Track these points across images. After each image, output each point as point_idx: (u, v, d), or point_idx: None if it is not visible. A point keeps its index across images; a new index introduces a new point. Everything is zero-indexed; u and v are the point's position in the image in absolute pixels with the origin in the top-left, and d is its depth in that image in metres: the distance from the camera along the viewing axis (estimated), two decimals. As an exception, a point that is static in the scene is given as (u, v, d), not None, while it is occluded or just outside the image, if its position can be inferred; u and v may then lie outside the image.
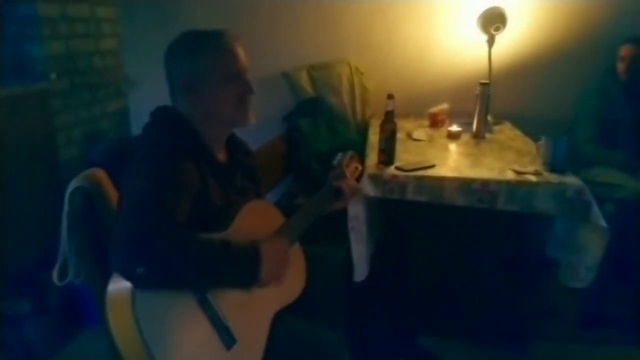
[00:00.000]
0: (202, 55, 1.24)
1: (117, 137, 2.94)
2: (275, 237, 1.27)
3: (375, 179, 1.85)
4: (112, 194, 1.32)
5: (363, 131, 2.75)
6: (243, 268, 1.12)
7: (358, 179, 1.69)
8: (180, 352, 1.00)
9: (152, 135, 1.26)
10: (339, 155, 1.61)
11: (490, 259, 2.15)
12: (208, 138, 1.28)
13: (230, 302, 1.12)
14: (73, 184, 1.27)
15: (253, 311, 1.18)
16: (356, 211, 1.83)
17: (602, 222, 1.76)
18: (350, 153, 1.63)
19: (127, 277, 0.99)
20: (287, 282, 1.28)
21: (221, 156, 1.34)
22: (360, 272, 1.87)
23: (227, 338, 1.08)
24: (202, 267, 1.05)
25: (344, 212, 1.79)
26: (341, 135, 2.76)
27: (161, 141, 1.21)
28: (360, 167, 1.69)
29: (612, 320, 2.21)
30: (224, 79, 1.25)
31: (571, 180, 1.79)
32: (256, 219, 1.28)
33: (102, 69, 2.86)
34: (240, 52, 1.28)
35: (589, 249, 1.80)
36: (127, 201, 1.09)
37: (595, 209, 1.76)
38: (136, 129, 2.99)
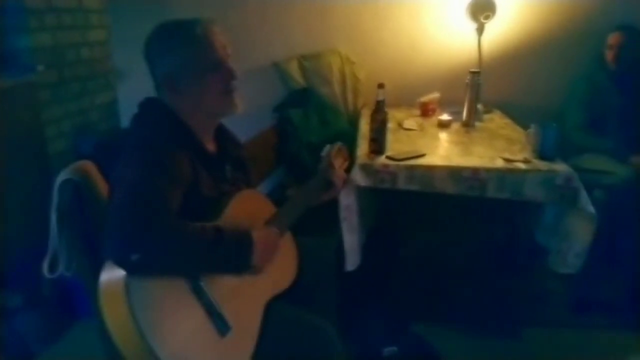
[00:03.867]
0: (179, 49, 1.22)
1: (106, 130, 2.92)
2: (267, 226, 1.29)
3: (366, 168, 1.85)
4: (102, 186, 1.31)
5: (354, 121, 2.75)
6: (236, 253, 1.13)
7: (347, 170, 1.69)
8: (175, 339, 1.01)
9: (141, 127, 1.25)
10: (327, 147, 1.63)
11: (482, 247, 2.17)
12: (196, 129, 1.27)
13: (224, 289, 1.13)
14: (62, 176, 1.26)
15: (246, 298, 1.19)
16: (348, 201, 1.83)
17: (590, 208, 1.77)
18: (337, 145, 1.65)
19: (121, 265, 0.99)
20: (279, 270, 1.30)
21: (210, 147, 1.33)
22: (352, 261, 1.88)
23: (221, 325, 1.10)
24: (196, 252, 1.06)
25: (335, 202, 1.80)
26: (332, 126, 2.76)
27: (151, 132, 1.21)
28: (347, 159, 1.70)
29: (602, 306, 2.23)
30: (205, 70, 1.23)
31: (560, 167, 1.81)
32: (247, 209, 1.29)
33: (91, 61, 2.83)
34: (218, 40, 1.25)
35: (577, 235, 1.82)
36: (119, 190, 1.09)
37: (584, 195, 1.78)
38: (125, 121, 2.96)
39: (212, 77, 1.24)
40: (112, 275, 1.02)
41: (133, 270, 0.99)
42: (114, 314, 1.00)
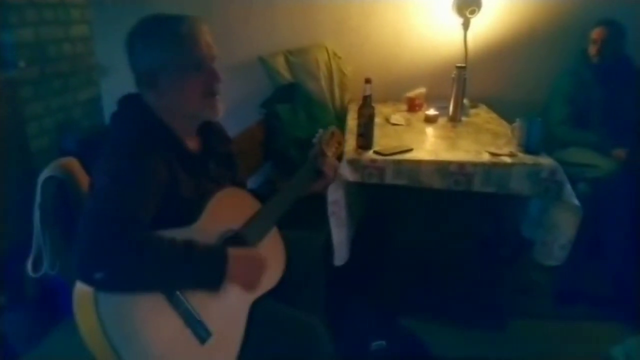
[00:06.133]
0: (161, 45, 1.17)
1: (90, 126, 2.89)
2: (251, 228, 1.27)
3: (354, 163, 1.85)
4: (85, 183, 1.29)
5: (342, 116, 2.75)
6: (207, 270, 1.08)
7: (340, 157, 1.66)
8: (150, 351, 0.98)
9: (118, 127, 1.22)
10: (320, 131, 1.57)
11: (468, 240, 2.18)
12: (176, 127, 1.23)
13: (203, 294, 1.09)
14: (45, 173, 1.24)
15: (228, 301, 1.15)
16: (336, 196, 1.83)
17: (575, 201, 1.80)
18: (331, 129, 1.60)
19: (86, 282, 0.96)
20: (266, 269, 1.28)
21: (192, 144, 1.29)
22: (341, 256, 1.88)
23: (201, 332, 1.07)
24: (163, 270, 1.02)
25: (324, 196, 1.80)
26: (320, 121, 2.74)
27: (127, 135, 1.17)
28: (342, 143, 1.65)
29: (586, 297, 2.27)
30: (186, 69, 1.18)
31: (545, 161, 1.83)
32: (228, 208, 1.25)
33: (73, 56, 2.79)
34: (203, 38, 1.20)
35: (562, 227, 1.84)
36: (88, 202, 1.06)
37: (568, 188, 1.80)
38: (109, 117, 2.94)
39: (193, 77, 1.19)
40: (83, 284, 0.99)
41: (99, 287, 0.96)
42: (85, 325, 0.98)
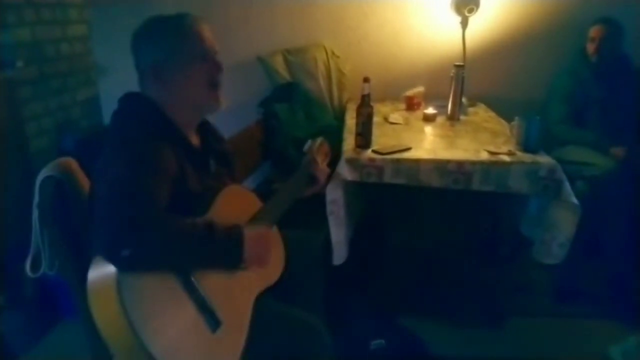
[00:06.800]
0: (166, 38, 1.23)
1: (88, 126, 2.88)
2: (256, 223, 1.29)
3: (352, 162, 1.85)
4: (84, 183, 1.30)
5: (340, 116, 2.75)
6: (227, 247, 1.12)
7: (329, 164, 1.71)
8: (166, 335, 1.00)
9: (122, 122, 1.23)
10: (309, 142, 1.64)
11: (467, 239, 2.19)
12: (180, 122, 1.26)
13: (215, 284, 1.13)
14: (43, 173, 1.24)
15: (237, 294, 1.19)
16: (335, 196, 1.83)
17: (574, 199, 1.80)
18: (319, 140, 1.66)
19: (112, 261, 0.98)
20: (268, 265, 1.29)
21: (194, 141, 1.32)
22: (340, 255, 1.88)
23: (212, 320, 1.09)
24: (187, 246, 1.05)
25: (323, 196, 1.80)
26: (318, 121, 2.75)
27: (133, 126, 1.19)
28: (329, 154, 1.71)
29: (585, 295, 2.27)
30: (190, 60, 1.23)
31: (544, 159, 1.83)
32: (234, 204, 1.28)
33: (71, 56, 2.78)
34: (206, 33, 1.26)
35: (561, 226, 1.84)
36: (105, 186, 1.07)
37: (567, 186, 1.80)
38: (107, 117, 2.92)
39: (198, 67, 1.24)
40: (101, 272, 1.01)
41: (125, 265, 0.98)
42: (104, 311, 0.99)
